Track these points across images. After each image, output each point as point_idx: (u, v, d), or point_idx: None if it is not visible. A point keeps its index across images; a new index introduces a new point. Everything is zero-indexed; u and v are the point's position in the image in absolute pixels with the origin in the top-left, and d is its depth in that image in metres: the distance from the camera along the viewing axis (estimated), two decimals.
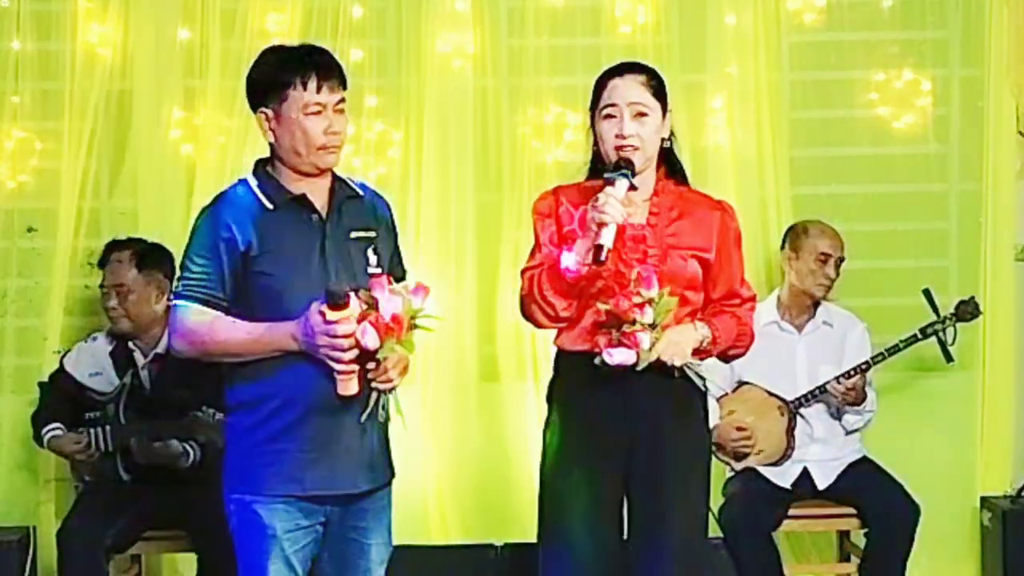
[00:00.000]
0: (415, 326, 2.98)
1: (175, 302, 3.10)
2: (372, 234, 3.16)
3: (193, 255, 3.08)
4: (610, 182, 3.18)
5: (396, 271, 3.22)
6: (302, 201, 3.10)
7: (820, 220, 4.68)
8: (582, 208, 3.24)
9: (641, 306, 3.14)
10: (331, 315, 2.90)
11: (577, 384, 3.33)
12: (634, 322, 3.14)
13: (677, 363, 3.22)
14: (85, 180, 4.80)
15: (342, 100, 3.10)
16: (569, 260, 3.17)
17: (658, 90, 3.33)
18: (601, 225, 3.12)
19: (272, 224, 3.07)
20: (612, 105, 3.29)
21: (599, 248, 3.11)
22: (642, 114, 3.28)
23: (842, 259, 4.62)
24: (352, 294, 2.93)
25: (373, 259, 3.13)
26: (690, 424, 3.36)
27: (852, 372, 4.45)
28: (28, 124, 4.84)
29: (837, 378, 4.45)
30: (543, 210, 3.36)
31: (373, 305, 2.93)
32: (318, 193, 3.13)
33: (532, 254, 3.37)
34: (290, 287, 3.03)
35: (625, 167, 3.21)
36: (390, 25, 4.88)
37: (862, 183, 4.99)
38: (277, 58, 3.13)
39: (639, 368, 3.16)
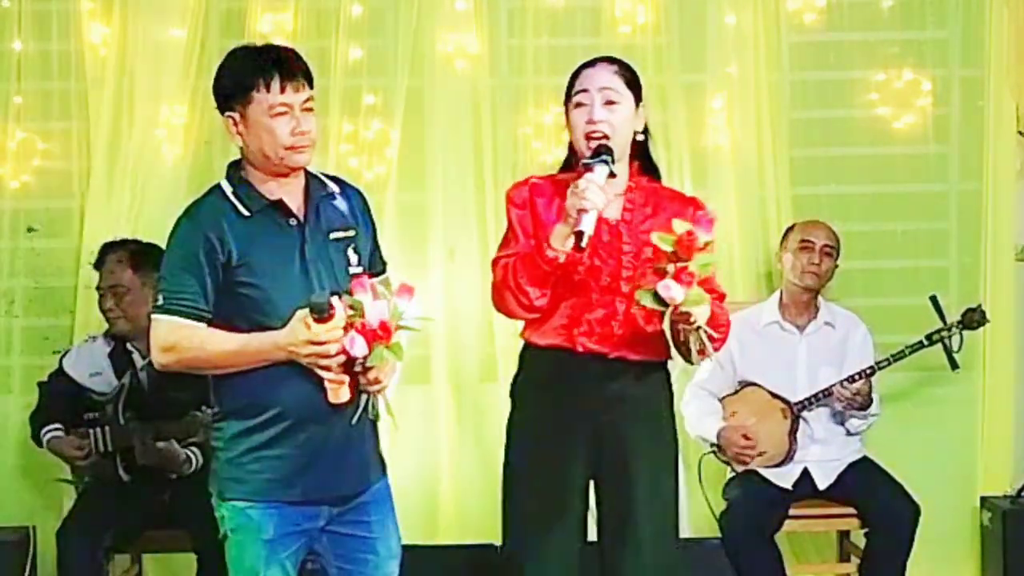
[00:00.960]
0: (401, 327, 2.94)
1: (156, 316, 3.04)
2: (351, 233, 3.13)
3: (172, 267, 3.02)
4: (589, 168, 3.14)
5: (376, 265, 3.20)
6: (278, 206, 3.06)
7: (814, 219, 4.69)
8: (557, 199, 3.20)
9: (701, 249, 3.02)
10: (315, 327, 2.87)
11: (545, 380, 3.31)
12: (689, 261, 3.01)
13: (700, 323, 3.09)
14: (85, 180, 4.81)
15: (309, 99, 3.06)
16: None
17: (631, 81, 3.31)
18: (581, 212, 3.07)
19: (250, 232, 3.03)
20: (583, 91, 3.27)
21: (579, 235, 3.06)
22: (612, 101, 3.25)
23: (830, 247, 4.60)
24: (336, 300, 2.89)
25: (354, 258, 3.10)
26: (658, 420, 3.35)
27: (857, 376, 4.44)
28: (29, 124, 4.85)
29: (842, 382, 4.45)
30: (517, 200, 3.32)
31: (359, 310, 2.90)
32: (293, 194, 3.09)
33: (506, 243, 3.32)
34: (272, 295, 3.00)
35: (604, 153, 3.17)
36: (389, 25, 4.88)
37: (862, 183, 4.99)
38: (240, 60, 3.08)
39: (682, 309, 3.01)
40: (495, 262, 3.30)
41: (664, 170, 4.76)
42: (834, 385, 4.46)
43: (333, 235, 3.10)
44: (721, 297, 3.29)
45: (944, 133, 4.99)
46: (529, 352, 3.36)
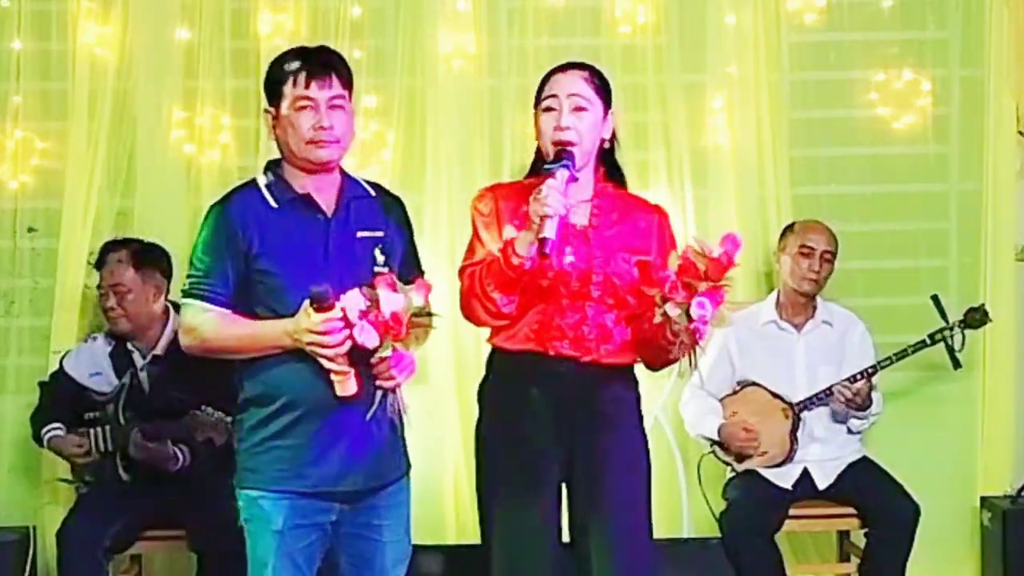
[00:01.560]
0: (414, 321, 2.99)
1: (183, 300, 3.16)
2: (380, 233, 3.18)
3: (199, 253, 3.14)
4: (550, 174, 3.15)
5: (412, 271, 3.23)
6: (306, 200, 3.13)
7: (814, 219, 4.67)
8: (523, 205, 3.20)
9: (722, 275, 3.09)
10: (314, 316, 2.93)
11: (517, 384, 3.30)
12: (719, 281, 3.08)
13: (705, 339, 3.14)
14: (85, 180, 4.80)
15: (338, 96, 3.12)
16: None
17: (600, 88, 3.32)
18: (543, 218, 3.07)
19: (275, 223, 3.11)
20: (552, 97, 3.28)
21: (543, 241, 3.06)
22: (581, 108, 3.26)
23: (830, 254, 4.60)
24: (356, 292, 2.94)
25: (380, 258, 3.15)
26: (628, 421, 3.36)
27: (858, 376, 4.44)
28: (28, 124, 4.85)
29: (843, 383, 4.44)
30: (482, 209, 3.32)
31: (375, 303, 2.94)
32: (326, 192, 3.16)
33: (471, 251, 3.32)
34: (290, 285, 3.06)
35: (565, 158, 3.18)
36: (389, 25, 4.88)
37: (862, 183, 4.99)
38: (279, 59, 3.18)
39: (712, 328, 3.09)
40: (462, 271, 3.30)
41: (664, 170, 4.83)
42: (835, 385, 4.46)
43: (360, 233, 3.16)
44: None
45: (944, 133, 4.99)
46: (499, 357, 3.36)
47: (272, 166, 3.21)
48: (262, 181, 3.17)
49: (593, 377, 3.28)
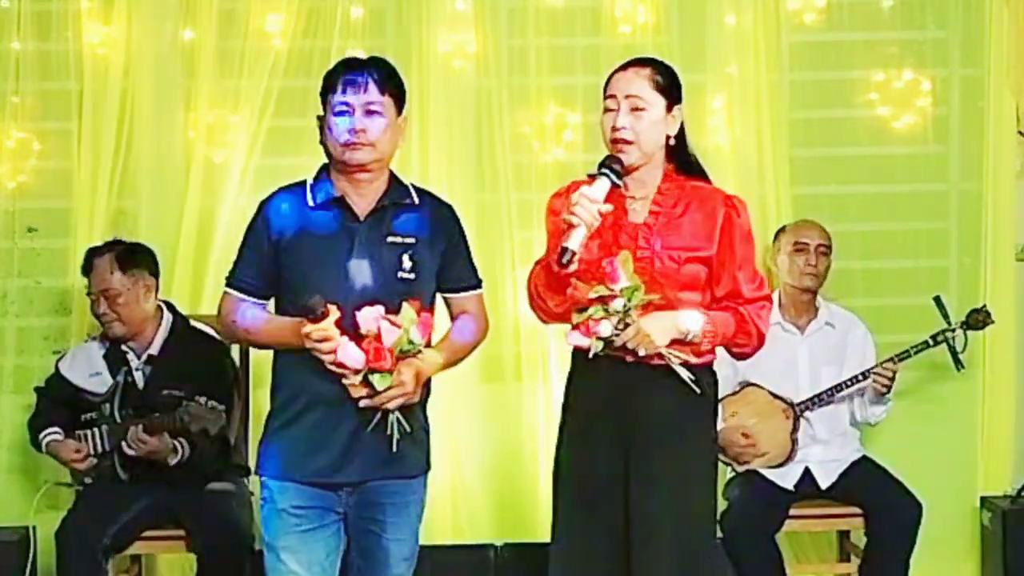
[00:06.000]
0: (403, 356, 3.07)
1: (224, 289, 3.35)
2: (411, 240, 3.25)
3: (241, 244, 3.33)
4: (594, 177, 3.15)
5: (451, 283, 3.34)
6: (340, 202, 3.24)
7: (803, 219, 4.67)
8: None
9: (606, 300, 3.09)
10: (307, 327, 3.03)
11: (580, 382, 3.31)
12: (605, 310, 3.10)
13: (641, 352, 3.14)
14: (85, 180, 4.80)
15: (375, 103, 3.23)
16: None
17: (664, 85, 3.30)
18: (570, 227, 3.06)
19: (309, 222, 3.23)
20: (611, 97, 3.29)
21: (563, 251, 3.05)
22: (639, 108, 3.25)
23: (824, 247, 4.60)
24: (381, 312, 3.04)
25: (407, 264, 3.22)
26: (691, 422, 3.28)
27: (895, 359, 4.46)
28: (28, 124, 4.85)
29: (882, 365, 4.45)
30: (553, 208, 3.34)
31: (377, 332, 3.03)
32: (367, 195, 3.26)
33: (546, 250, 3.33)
34: (310, 282, 3.15)
35: (613, 164, 3.17)
36: (390, 25, 4.89)
37: (862, 183, 4.99)
38: (329, 69, 3.33)
39: (591, 355, 3.13)
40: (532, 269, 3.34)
41: None
42: (838, 384, 4.47)
43: (390, 239, 3.23)
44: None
45: (944, 133, 4.99)
46: (574, 356, 3.32)
47: (324, 168, 3.32)
48: (310, 180, 3.30)
49: (647, 372, 3.22)
